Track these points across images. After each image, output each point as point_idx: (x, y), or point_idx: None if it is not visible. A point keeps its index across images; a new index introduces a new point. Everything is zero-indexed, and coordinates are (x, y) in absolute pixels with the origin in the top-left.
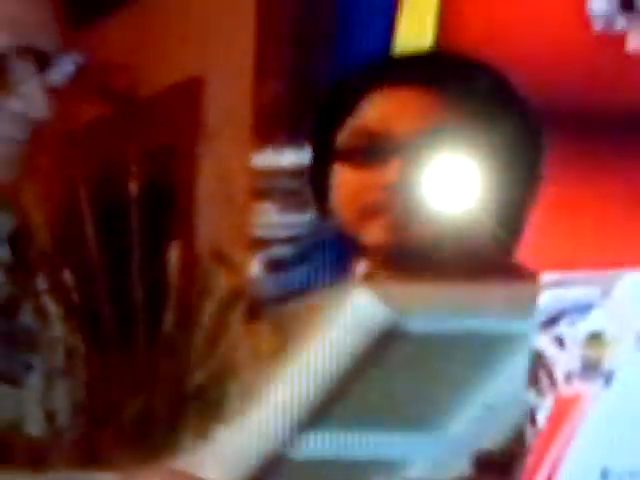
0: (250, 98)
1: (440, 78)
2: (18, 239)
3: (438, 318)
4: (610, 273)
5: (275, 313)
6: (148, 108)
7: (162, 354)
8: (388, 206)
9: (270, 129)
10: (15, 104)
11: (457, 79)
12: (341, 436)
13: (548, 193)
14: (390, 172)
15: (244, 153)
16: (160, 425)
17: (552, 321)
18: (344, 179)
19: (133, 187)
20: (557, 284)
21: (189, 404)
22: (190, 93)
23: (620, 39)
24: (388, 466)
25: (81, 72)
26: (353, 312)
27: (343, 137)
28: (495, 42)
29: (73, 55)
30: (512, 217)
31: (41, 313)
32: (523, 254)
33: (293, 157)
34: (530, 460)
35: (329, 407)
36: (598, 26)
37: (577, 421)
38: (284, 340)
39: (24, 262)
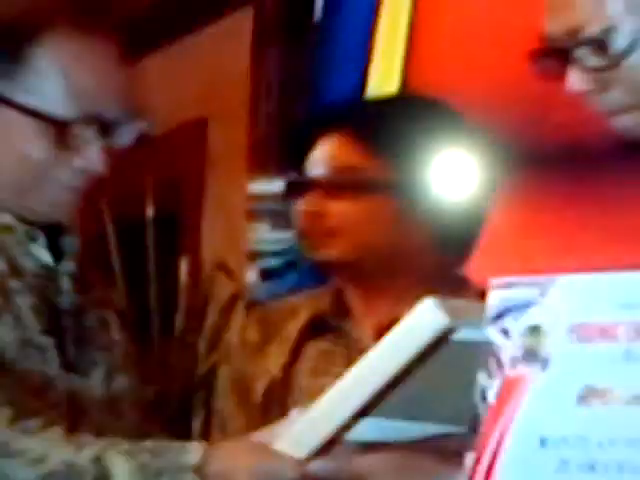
0: (246, 135)
1: (366, 124)
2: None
3: (476, 328)
4: (546, 277)
5: (261, 309)
6: (162, 143)
7: (174, 350)
8: (316, 230)
9: (262, 161)
10: (76, 161)
11: (388, 123)
12: (389, 423)
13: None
14: (306, 204)
15: (241, 181)
16: (173, 409)
17: (499, 316)
18: (296, 209)
19: (149, 210)
20: (503, 286)
21: (197, 391)
22: (196, 131)
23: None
24: None
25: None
26: (417, 315)
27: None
28: (453, 85)
29: (136, 123)
30: (466, 236)
31: (101, 320)
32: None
33: (281, 184)
34: (482, 430)
35: (382, 398)
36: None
37: (520, 398)
38: (267, 332)
39: (83, 276)
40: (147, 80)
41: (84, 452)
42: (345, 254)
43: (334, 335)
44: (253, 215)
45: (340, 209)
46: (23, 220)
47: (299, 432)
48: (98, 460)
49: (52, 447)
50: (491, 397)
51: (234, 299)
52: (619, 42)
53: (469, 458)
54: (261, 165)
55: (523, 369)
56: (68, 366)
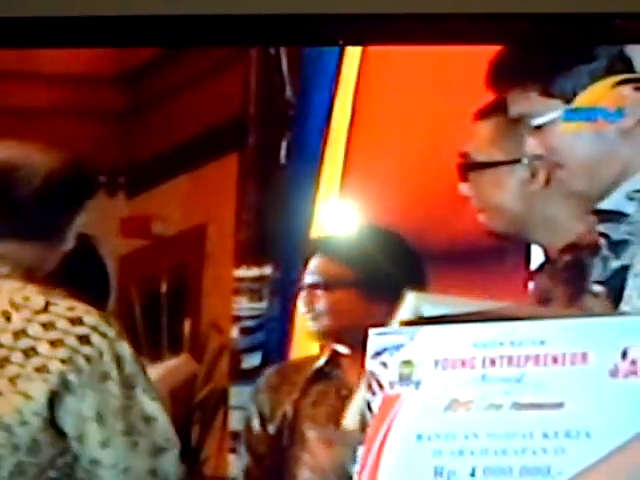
0: (232, 238)
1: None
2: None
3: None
4: (411, 327)
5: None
6: (173, 241)
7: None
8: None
9: (242, 255)
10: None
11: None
12: None
13: None
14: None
15: (228, 268)
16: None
17: (378, 353)
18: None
19: (163, 287)
20: (380, 333)
21: (194, 411)
22: (198, 233)
23: None
24: None
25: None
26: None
27: None
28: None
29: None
30: None
31: None
32: None
33: (256, 271)
34: (369, 431)
35: None
36: None
37: (397, 408)
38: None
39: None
40: (163, 201)
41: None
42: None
43: (329, 380)
44: (236, 291)
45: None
46: None
47: None
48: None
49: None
50: (375, 408)
51: (222, 348)
52: None
53: (360, 451)
54: (243, 256)
55: (399, 389)
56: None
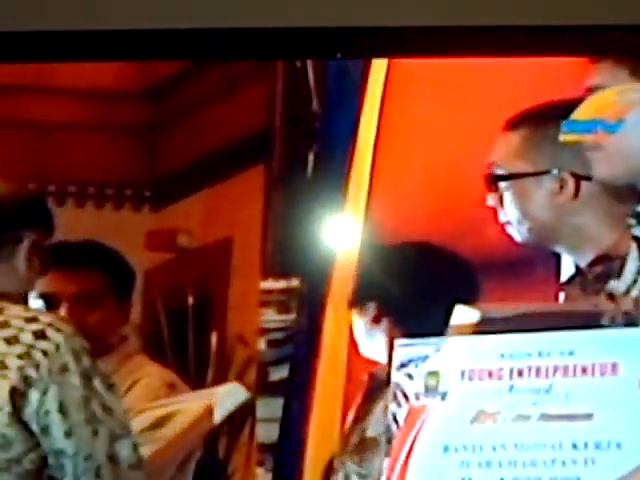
0: (259, 247)
1: None
2: None
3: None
4: (438, 338)
5: None
6: (200, 254)
7: None
8: None
9: (270, 266)
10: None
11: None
12: None
13: None
14: None
15: (255, 281)
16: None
17: (404, 365)
18: None
19: (189, 299)
20: (406, 345)
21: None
22: (224, 246)
23: None
24: None
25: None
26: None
27: None
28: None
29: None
30: None
31: None
32: None
33: (283, 284)
34: (395, 443)
35: None
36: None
37: (423, 420)
38: None
39: None
40: (189, 214)
41: None
42: None
43: None
44: (263, 303)
45: None
46: None
47: None
48: None
49: None
50: (401, 420)
51: (249, 361)
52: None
53: (385, 463)
54: (269, 269)
55: (425, 400)
56: None
